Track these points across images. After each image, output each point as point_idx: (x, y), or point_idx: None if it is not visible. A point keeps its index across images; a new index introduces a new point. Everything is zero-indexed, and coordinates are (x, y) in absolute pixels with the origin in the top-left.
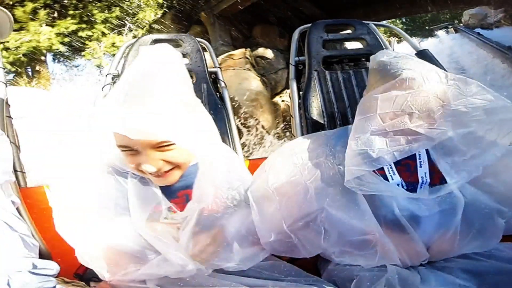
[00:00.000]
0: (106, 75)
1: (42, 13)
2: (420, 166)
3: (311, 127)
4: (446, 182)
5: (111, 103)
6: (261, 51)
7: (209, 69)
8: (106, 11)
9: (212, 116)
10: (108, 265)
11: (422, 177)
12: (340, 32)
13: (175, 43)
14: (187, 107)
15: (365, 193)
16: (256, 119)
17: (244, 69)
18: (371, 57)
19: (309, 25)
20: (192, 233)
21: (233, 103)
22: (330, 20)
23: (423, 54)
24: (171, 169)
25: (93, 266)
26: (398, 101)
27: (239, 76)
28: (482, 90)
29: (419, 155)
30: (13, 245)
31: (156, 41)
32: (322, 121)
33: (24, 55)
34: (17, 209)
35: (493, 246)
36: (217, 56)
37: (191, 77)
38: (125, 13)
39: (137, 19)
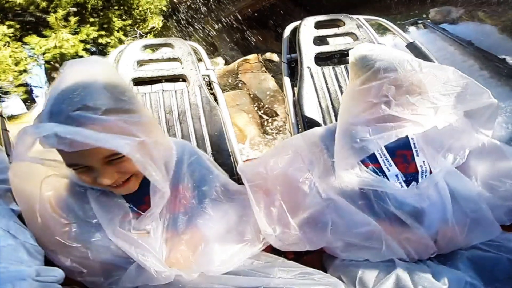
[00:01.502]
0: None
1: (73, 20)
2: (417, 155)
3: (306, 123)
4: None
5: (40, 120)
6: (268, 55)
7: (202, 72)
8: (123, 18)
9: (208, 118)
10: (92, 276)
11: (421, 166)
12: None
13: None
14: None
15: (356, 187)
16: (275, 112)
17: (260, 72)
18: (349, 52)
19: (299, 22)
20: (164, 239)
21: (256, 100)
22: (320, 16)
23: (413, 46)
24: (128, 178)
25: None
26: (374, 91)
27: (257, 78)
28: (458, 77)
29: (414, 143)
30: (16, 253)
31: (146, 46)
32: (317, 117)
33: (47, 62)
34: (19, 216)
35: (497, 234)
36: (228, 59)
37: (184, 80)
38: (136, 20)
39: (147, 25)
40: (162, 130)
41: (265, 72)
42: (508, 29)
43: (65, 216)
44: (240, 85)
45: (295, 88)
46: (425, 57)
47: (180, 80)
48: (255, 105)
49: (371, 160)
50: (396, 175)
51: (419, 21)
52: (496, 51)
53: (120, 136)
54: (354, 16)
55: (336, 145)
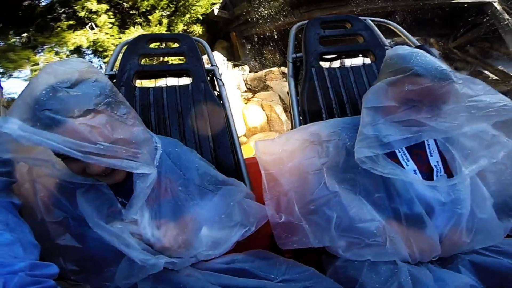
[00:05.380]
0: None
1: (165, 21)
2: (431, 155)
3: (310, 123)
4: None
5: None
6: (282, 68)
7: (206, 68)
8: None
9: (211, 114)
10: (85, 274)
11: (435, 166)
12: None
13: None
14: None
15: (379, 173)
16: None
17: (282, 80)
18: (387, 50)
19: (306, 21)
20: (155, 226)
21: (283, 101)
22: (326, 16)
23: (421, 49)
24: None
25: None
26: (408, 94)
27: (281, 84)
28: (490, 90)
29: (428, 145)
30: (11, 247)
31: (152, 40)
32: (321, 117)
33: None
34: (20, 210)
35: (500, 240)
36: (249, 69)
37: (188, 76)
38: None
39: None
40: (151, 126)
41: (285, 80)
42: None
43: (57, 214)
44: (267, 88)
45: (299, 87)
46: None
47: (184, 75)
48: (282, 102)
49: (388, 155)
50: (414, 170)
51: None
52: None
53: (74, 142)
54: (362, 18)
55: (359, 135)
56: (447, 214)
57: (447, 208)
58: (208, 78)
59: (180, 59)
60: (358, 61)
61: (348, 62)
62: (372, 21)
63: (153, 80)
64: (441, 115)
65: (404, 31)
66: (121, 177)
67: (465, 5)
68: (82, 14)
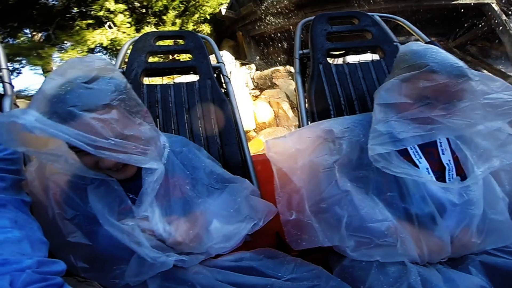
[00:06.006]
0: None
1: (178, 22)
2: (443, 154)
3: (317, 120)
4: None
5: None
6: (287, 67)
7: (213, 65)
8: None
9: (218, 111)
10: (95, 272)
11: (447, 164)
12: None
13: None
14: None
15: (393, 173)
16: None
17: (287, 78)
18: (401, 46)
19: (312, 18)
20: (166, 222)
21: (289, 99)
22: (333, 12)
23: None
24: None
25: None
26: (422, 91)
27: (287, 82)
28: (508, 87)
29: (440, 143)
30: (19, 244)
31: (159, 37)
32: (329, 114)
33: None
34: (31, 208)
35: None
36: (256, 67)
37: (195, 73)
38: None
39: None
40: (158, 124)
41: (291, 79)
42: None
43: (68, 212)
44: (274, 86)
45: (306, 84)
46: None
47: (191, 72)
48: (288, 99)
49: (401, 153)
50: (427, 169)
51: None
52: None
53: (87, 136)
54: (370, 14)
55: (372, 131)
56: (459, 215)
57: (459, 209)
58: (215, 75)
59: (189, 57)
60: (366, 57)
61: (350, 58)
62: (380, 17)
63: (166, 77)
64: (456, 112)
65: (413, 27)
66: (132, 172)
67: (465, 6)
68: (101, 13)
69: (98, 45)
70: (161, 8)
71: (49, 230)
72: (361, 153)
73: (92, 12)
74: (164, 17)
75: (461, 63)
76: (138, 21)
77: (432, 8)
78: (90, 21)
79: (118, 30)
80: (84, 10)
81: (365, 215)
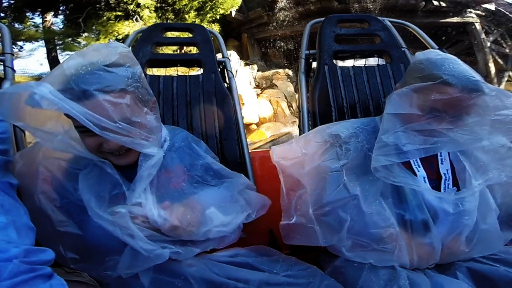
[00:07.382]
0: None
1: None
2: (442, 163)
3: (319, 121)
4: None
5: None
6: (286, 70)
7: (218, 59)
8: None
9: (219, 106)
10: (85, 263)
11: (444, 174)
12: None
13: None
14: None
15: (391, 182)
16: (292, 105)
17: (286, 80)
18: (417, 53)
19: (322, 19)
20: (160, 207)
21: (287, 99)
22: (344, 14)
23: None
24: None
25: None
26: (433, 104)
27: (285, 84)
28: None
29: (440, 153)
30: (5, 231)
31: (166, 29)
32: (330, 116)
33: None
34: (18, 191)
35: (499, 249)
36: (258, 68)
37: (199, 66)
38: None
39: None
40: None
41: (290, 81)
42: None
43: (59, 200)
44: (273, 86)
45: (309, 85)
46: None
47: (196, 65)
48: (286, 100)
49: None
50: (424, 177)
51: None
52: None
53: (96, 117)
54: (380, 18)
55: (377, 141)
56: (452, 224)
57: (453, 218)
58: (219, 69)
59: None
60: (373, 61)
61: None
62: (390, 22)
63: (168, 68)
64: (463, 126)
65: (423, 33)
66: (133, 159)
67: (451, 24)
68: (131, 7)
69: (124, 36)
70: (182, 7)
71: (36, 219)
72: (365, 159)
73: (121, 5)
74: (186, 16)
75: (477, 77)
76: (159, 17)
77: (422, 25)
78: (119, 13)
79: (145, 24)
80: (116, 2)
81: (369, 220)
